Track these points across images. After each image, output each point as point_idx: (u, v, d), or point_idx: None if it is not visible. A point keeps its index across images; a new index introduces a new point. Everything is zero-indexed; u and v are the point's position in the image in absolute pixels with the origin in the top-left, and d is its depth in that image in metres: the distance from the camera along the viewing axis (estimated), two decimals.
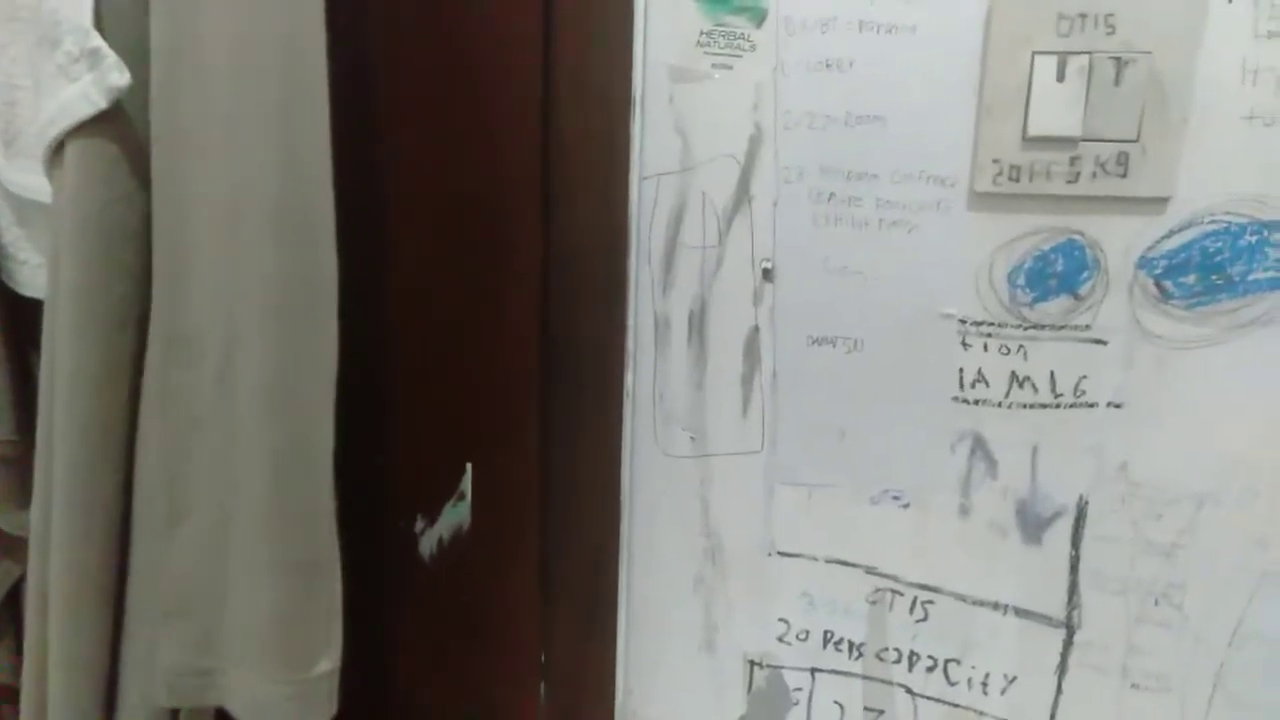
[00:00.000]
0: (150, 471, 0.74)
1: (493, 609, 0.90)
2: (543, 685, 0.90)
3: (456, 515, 0.89)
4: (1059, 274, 0.73)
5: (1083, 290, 0.73)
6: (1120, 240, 0.72)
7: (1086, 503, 0.76)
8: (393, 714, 0.94)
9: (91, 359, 0.72)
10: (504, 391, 0.86)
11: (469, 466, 0.87)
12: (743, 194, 0.78)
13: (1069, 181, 0.71)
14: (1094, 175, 0.71)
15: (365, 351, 0.79)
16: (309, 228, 0.71)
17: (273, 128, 0.70)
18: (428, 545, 0.90)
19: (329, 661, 0.76)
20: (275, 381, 0.72)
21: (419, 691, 0.94)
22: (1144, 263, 0.72)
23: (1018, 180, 0.72)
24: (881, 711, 0.84)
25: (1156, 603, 0.76)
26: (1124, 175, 0.70)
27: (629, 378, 0.83)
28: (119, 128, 0.70)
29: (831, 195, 0.76)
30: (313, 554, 0.75)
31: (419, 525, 0.90)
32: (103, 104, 0.67)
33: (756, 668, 0.86)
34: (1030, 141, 0.71)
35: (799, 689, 0.85)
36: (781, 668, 0.85)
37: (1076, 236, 0.72)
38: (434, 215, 0.84)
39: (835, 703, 0.85)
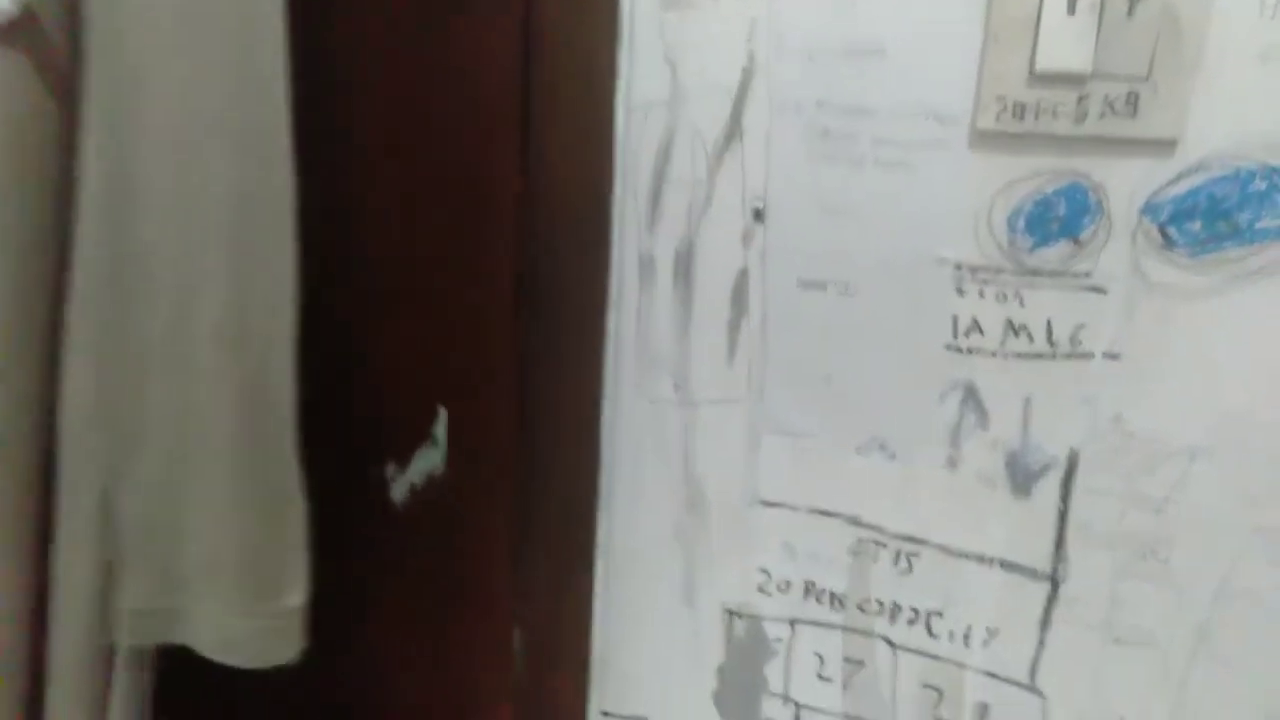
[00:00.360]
0: (88, 407, 0.71)
1: (466, 557, 0.88)
2: (518, 633, 0.88)
3: (428, 461, 0.86)
4: (1061, 218, 0.71)
5: (1084, 235, 0.71)
6: (1126, 184, 0.69)
7: (1078, 455, 0.74)
8: (360, 662, 0.92)
9: (4, 284, 0.68)
10: (478, 332, 0.83)
11: (442, 410, 0.84)
12: (734, 128, 0.75)
13: (1076, 121, 0.68)
14: (1102, 115, 0.68)
15: (330, 289, 0.76)
16: (265, 147, 0.68)
17: (228, 42, 0.66)
18: (399, 492, 0.88)
19: (296, 595, 0.75)
20: (235, 308, 0.69)
21: (387, 640, 0.92)
22: (1149, 208, 0.69)
23: (1022, 119, 0.69)
24: (861, 663, 0.83)
25: (1144, 558, 0.75)
26: (1133, 115, 0.67)
27: (611, 319, 0.80)
28: (33, 36, 0.65)
29: (827, 131, 0.73)
30: (276, 487, 0.73)
31: (390, 471, 0.87)
32: (12, 9, 0.63)
33: (736, 618, 0.84)
34: (1037, 78, 0.68)
35: (778, 639, 0.84)
36: (761, 618, 0.84)
37: (1081, 179, 0.70)
38: (403, 143, 0.80)
39: (815, 654, 0.83)
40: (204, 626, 0.75)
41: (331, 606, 0.76)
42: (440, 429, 0.85)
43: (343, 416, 0.85)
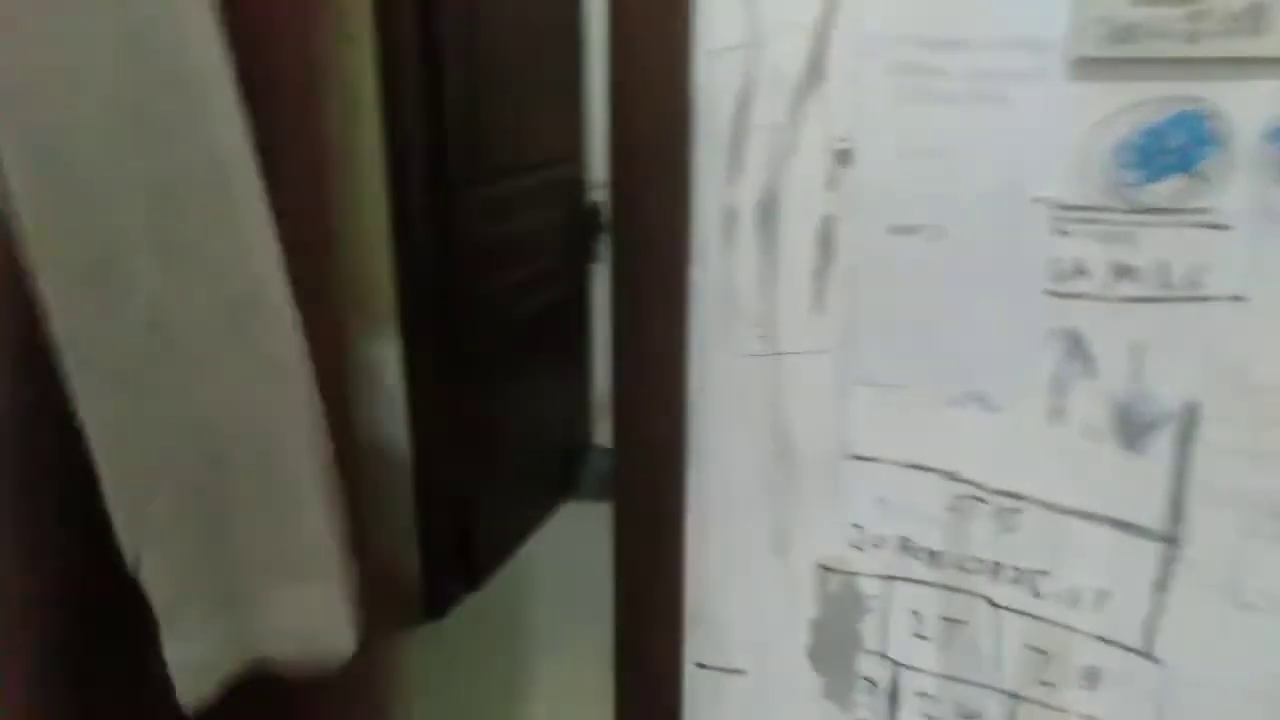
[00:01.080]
0: None
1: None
2: (615, 585, 0.88)
3: None
4: (1173, 150, 0.65)
5: (1200, 168, 0.65)
6: (1248, 109, 0.63)
7: (1198, 407, 0.69)
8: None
9: None
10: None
11: None
12: (815, 68, 0.72)
13: (1189, 41, 0.62)
14: (1220, 32, 0.61)
15: None
16: (198, 93, 0.62)
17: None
18: None
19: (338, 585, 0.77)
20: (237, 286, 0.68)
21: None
22: (1275, 135, 0.63)
23: (1127, 42, 0.63)
24: (962, 622, 0.80)
25: (1273, 517, 0.69)
26: (1255, 32, 0.61)
27: (695, 271, 0.79)
28: None
29: (914, 67, 0.69)
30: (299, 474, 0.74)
31: None
32: None
33: (829, 573, 0.83)
34: None
35: (874, 596, 0.82)
36: (855, 574, 0.82)
37: (1195, 106, 0.64)
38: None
39: (912, 612, 0.81)
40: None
41: None
42: None
43: None
